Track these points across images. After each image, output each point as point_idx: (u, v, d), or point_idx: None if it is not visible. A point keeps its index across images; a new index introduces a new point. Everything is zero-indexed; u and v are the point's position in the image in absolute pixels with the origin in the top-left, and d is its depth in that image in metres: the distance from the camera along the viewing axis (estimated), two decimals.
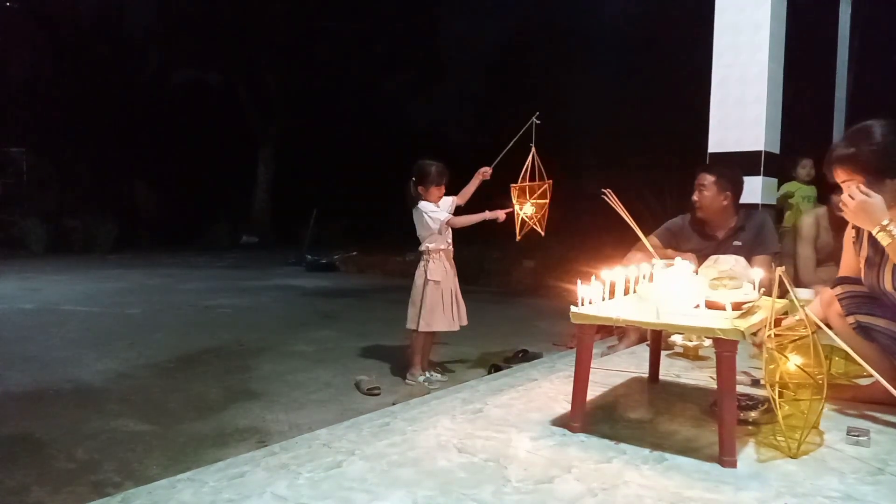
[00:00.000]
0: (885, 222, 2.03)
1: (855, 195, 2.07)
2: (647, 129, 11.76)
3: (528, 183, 3.66)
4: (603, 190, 2.65)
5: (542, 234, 3.76)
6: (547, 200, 3.68)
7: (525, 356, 4.31)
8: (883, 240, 2.05)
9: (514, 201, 3.66)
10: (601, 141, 12.82)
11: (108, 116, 15.57)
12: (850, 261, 2.42)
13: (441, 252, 3.91)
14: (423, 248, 3.93)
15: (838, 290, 2.38)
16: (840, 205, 2.15)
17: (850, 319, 2.33)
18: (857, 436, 2.02)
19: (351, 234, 14.87)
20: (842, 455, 1.94)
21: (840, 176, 2.17)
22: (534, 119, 3.69)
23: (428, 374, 3.97)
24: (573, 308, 2.08)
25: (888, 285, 2.20)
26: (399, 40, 17.00)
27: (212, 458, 2.45)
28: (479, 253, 9.02)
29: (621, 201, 2.62)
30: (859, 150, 2.11)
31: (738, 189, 3.60)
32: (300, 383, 3.95)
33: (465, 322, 4.02)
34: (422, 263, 3.92)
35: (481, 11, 16.53)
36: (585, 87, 14.13)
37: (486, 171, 3.87)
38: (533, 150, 3.65)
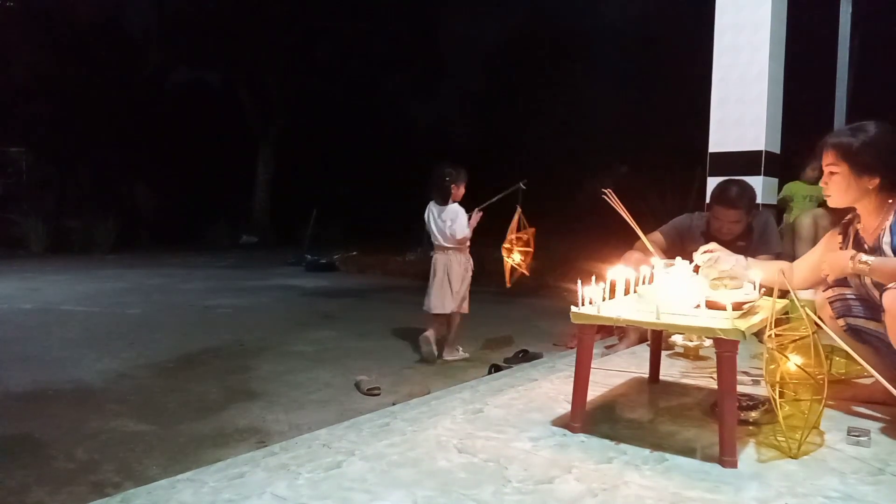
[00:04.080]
0: (850, 256, 2.16)
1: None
2: (648, 129, 11.76)
3: (514, 235, 4.34)
4: (603, 190, 2.65)
5: (528, 274, 4.50)
6: (531, 249, 4.40)
7: (525, 356, 4.31)
8: (862, 271, 2.16)
9: (504, 255, 4.34)
10: (601, 141, 12.82)
11: (108, 116, 15.55)
12: None
13: (468, 246, 4.62)
14: (462, 239, 4.49)
15: (829, 293, 2.43)
16: (827, 278, 2.34)
17: (840, 322, 2.37)
18: (858, 436, 2.02)
19: (351, 234, 14.86)
20: (842, 455, 1.94)
21: (829, 158, 2.26)
22: (521, 184, 4.33)
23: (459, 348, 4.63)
24: (573, 308, 2.08)
25: (871, 285, 2.28)
26: (399, 40, 17.00)
27: (211, 459, 2.45)
28: (480, 253, 8.98)
29: (621, 201, 2.62)
30: (856, 140, 2.20)
31: None
32: (300, 383, 3.94)
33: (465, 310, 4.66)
34: (458, 255, 4.54)
35: (481, 11, 16.52)
36: (586, 86, 14.13)
37: (480, 214, 4.54)
38: (518, 209, 4.32)
